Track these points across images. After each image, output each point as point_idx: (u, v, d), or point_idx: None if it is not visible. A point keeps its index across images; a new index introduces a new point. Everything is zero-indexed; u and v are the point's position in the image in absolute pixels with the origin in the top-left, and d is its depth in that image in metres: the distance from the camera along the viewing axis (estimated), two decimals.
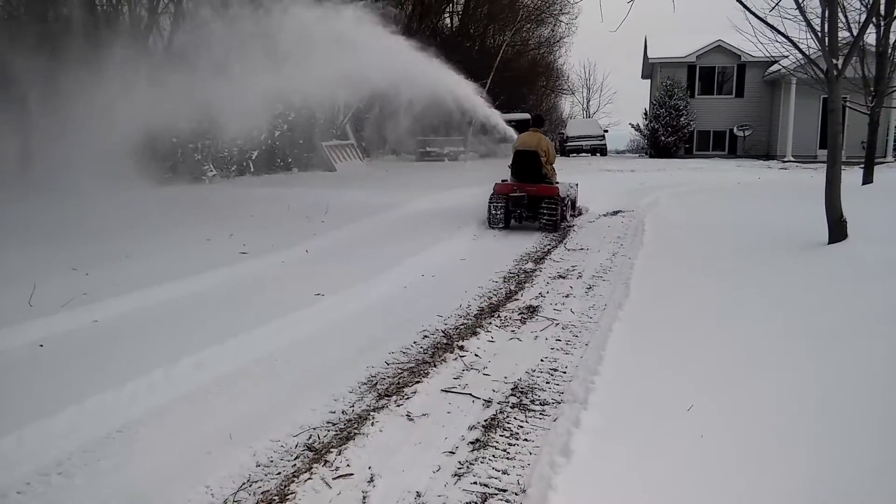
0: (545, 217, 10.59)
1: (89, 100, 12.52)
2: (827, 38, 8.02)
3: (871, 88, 13.92)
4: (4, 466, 3.22)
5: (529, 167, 10.75)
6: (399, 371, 4.62)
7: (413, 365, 4.73)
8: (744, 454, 3.21)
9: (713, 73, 28.91)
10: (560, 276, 7.60)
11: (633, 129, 33.92)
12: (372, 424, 3.72)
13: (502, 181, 10.98)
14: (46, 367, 4.51)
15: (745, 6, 8.27)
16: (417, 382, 4.35)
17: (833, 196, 7.92)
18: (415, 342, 5.25)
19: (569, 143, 33.40)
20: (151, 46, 17.02)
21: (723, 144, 29.08)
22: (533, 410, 3.96)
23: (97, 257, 7.59)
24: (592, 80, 62.01)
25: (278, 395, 4.19)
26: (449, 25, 33.77)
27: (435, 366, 4.68)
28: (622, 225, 11.39)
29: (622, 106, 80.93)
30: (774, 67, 24.36)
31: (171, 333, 5.17)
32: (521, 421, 3.82)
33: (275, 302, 6.04)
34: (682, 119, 27.71)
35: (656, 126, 28.20)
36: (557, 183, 11.04)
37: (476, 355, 4.92)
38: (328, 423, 3.81)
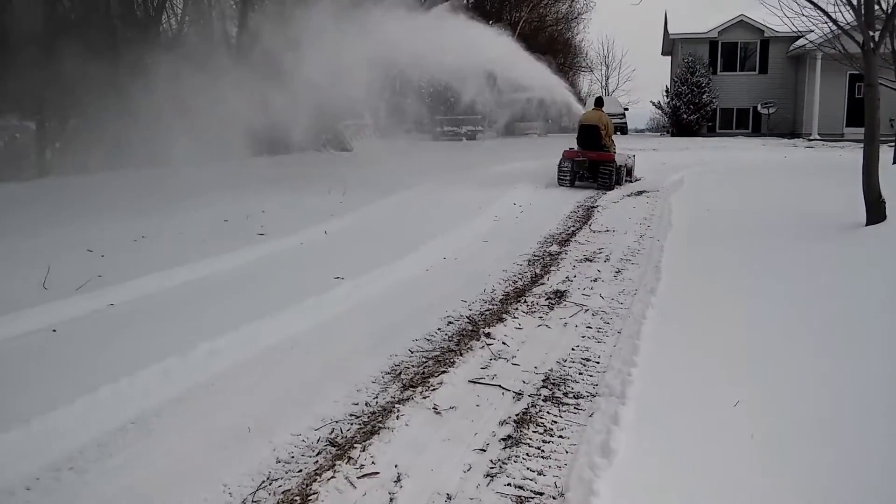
0: (602, 178, 13.14)
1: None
2: (863, 9, 7.64)
3: None
4: (12, 461, 3.05)
5: (591, 138, 13.36)
6: (423, 360, 4.41)
7: (438, 353, 4.52)
8: (801, 456, 2.98)
9: (736, 49, 28.16)
10: (587, 258, 7.35)
11: (654, 106, 33.29)
12: (397, 418, 3.52)
13: (570, 149, 13.64)
14: (59, 354, 4.35)
15: None
16: (443, 372, 4.14)
17: (871, 176, 7.60)
18: (439, 329, 5.04)
19: None
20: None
21: (746, 122, 28.40)
22: (567, 404, 3.74)
23: (112, 238, 7.46)
24: (611, 57, 60.89)
25: (298, 385, 4.00)
26: (465, 3, 33.19)
27: (461, 354, 4.47)
28: (647, 206, 11.08)
29: (641, 84, 79.34)
30: (800, 42, 23.65)
31: (186, 319, 5.00)
32: (555, 416, 3.61)
33: (293, 286, 5.84)
34: (704, 96, 27.06)
35: (678, 104, 27.56)
36: (615, 152, 13.58)
37: (504, 343, 4.71)
38: (351, 415, 3.61)
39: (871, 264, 6.02)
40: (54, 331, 4.72)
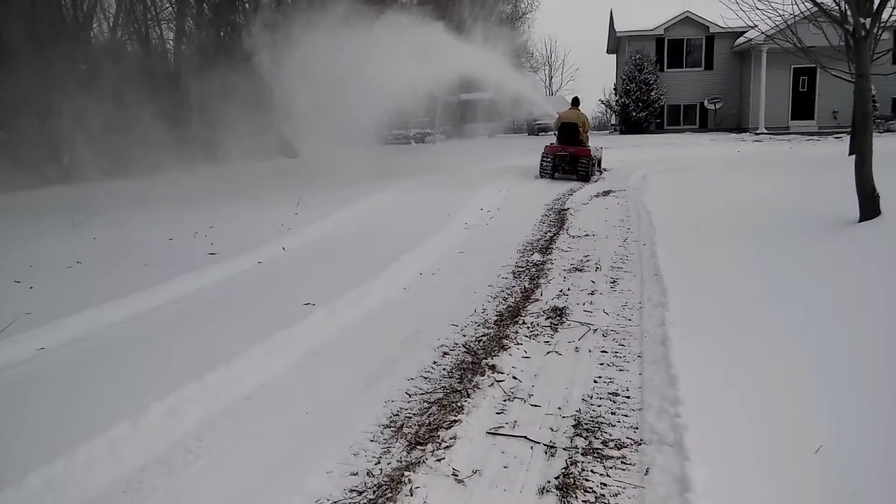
0: (580, 170, 14.08)
1: None
2: None
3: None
4: None
5: (570, 134, 14.39)
6: (425, 405, 3.70)
7: (441, 395, 3.82)
8: None
9: (681, 45, 28.19)
10: (576, 268, 6.74)
11: (602, 104, 33.18)
12: (411, 493, 2.80)
13: (550, 144, 14.79)
14: None
15: None
16: (454, 422, 3.44)
17: (864, 170, 7.22)
18: (435, 362, 4.34)
19: (537, 123, 32.53)
20: None
21: (693, 118, 28.49)
22: (611, 457, 3.09)
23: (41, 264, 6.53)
24: (554, 57, 60.90)
25: (278, 452, 3.25)
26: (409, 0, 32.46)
27: (468, 396, 3.77)
28: (619, 207, 10.59)
29: (584, 83, 79.56)
30: (749, 34, 23.71)
31: (132, 368, 4.18)
32: (602, 475, 2.95)
33: (255, 318, 5.05)
34: (652, 93, 27.00)
35: (627, 101, 27.45)
36: (589, 146, 14.57)
37: (514, 378, 4.03)
38: (352, 491, 2.88)
39: (885, 264, 5.57)
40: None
